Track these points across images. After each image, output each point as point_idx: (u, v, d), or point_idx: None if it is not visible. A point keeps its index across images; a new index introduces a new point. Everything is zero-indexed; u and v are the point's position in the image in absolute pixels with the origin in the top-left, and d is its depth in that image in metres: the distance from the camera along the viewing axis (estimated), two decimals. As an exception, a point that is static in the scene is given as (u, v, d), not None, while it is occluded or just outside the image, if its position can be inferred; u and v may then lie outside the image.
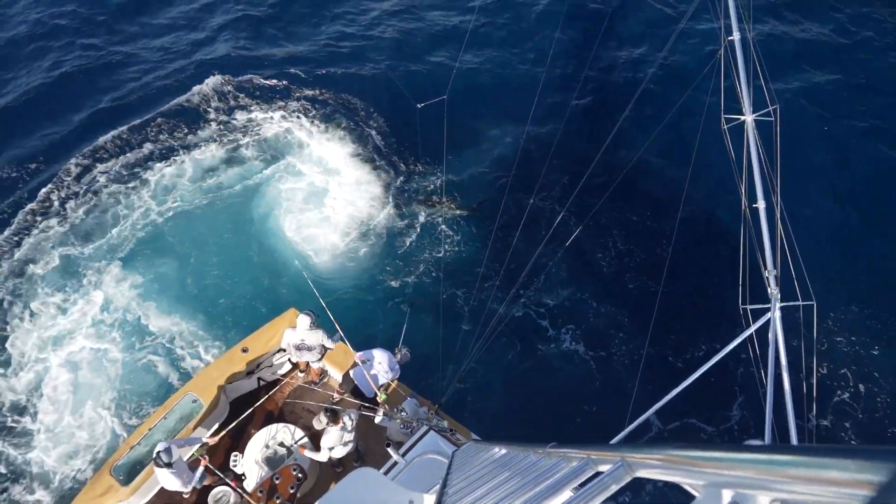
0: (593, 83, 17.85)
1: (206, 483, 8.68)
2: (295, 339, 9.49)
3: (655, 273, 13.20)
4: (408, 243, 14.74)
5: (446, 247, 14.51)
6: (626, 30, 19.30)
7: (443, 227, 14.85)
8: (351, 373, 9.38)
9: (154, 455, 7.96)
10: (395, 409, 8.56)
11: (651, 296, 12.47)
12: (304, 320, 9.32)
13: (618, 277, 14.04)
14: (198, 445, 8.74)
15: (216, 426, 9.43)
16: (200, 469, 8.39)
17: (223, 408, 9.72)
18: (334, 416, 8.16)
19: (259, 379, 10.29)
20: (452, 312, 13.18)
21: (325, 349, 9.63)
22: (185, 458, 8.59)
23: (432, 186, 15.70)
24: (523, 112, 15.11)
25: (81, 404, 12.40)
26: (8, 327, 13.66)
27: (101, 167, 16.52)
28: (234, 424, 9.14)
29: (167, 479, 8.18)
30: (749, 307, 6.92)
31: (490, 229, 14.05)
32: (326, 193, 15.75)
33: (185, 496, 8.80)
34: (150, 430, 9.14)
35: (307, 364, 10.08)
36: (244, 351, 9.82)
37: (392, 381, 9.37)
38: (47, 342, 13.41)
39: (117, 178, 16.27)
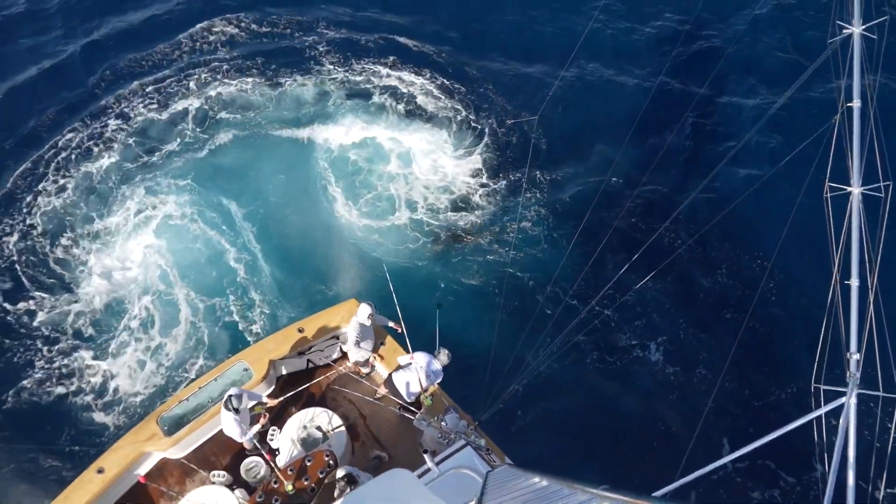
0: (697, 121, 17.24)
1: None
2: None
3: (738, 315, 13.17)
4: (477, 240, 14.66)
5: (519, 248, 14.30)
6: (741, 74, 18.51)
7: (520, 225, 14.68)
8: (393, 375, 9.35)
9: (225, 398, 8.33)
10: (437, 417, 8.53)
11: (730, 337, 12.30)
12: (364, 310, 9.40)
13: (703, 309, 13.88)
14: (257, 402, 9.00)
15: (265, 395, 9.69)
16: (257, 426, 8.71)
17: (270, 381, 9.97)
18: (352, 480, 7.98)
19: (308, 360, 10.50)
20: (514, 318, 12.86)
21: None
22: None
23: (516, 195, 15.48)
24: (619, 137, 14.85)
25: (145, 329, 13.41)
26: (82, 242, 14.58)
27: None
28: (293, 392, 9.47)
29: (229, 425, 8.52)
30: (823, 387, 6.50)
31: (570, 240, 13.75)
32: (404, 183, 15.73)
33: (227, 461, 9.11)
34: (199, 388, 9.50)
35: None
36: (300, 331, 10.05)
37: (434, 384, 9.33)
38: (119, 257, 14.38)
39: (215, 107, 16.98)
